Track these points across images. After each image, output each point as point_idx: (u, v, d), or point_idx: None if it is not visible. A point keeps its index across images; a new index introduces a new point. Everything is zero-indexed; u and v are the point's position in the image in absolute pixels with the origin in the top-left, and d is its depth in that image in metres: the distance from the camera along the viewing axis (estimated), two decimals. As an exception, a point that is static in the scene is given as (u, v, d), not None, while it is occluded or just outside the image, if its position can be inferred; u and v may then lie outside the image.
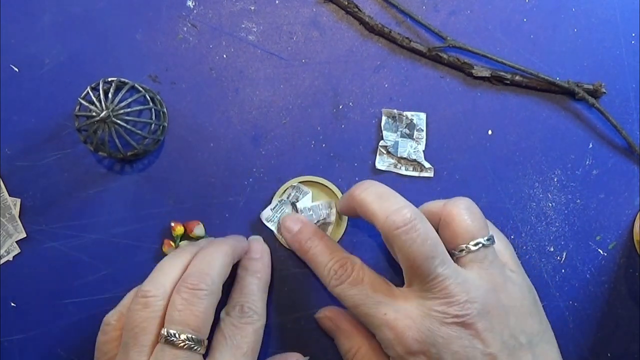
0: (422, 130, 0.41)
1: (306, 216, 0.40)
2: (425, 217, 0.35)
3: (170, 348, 0.33)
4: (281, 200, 0.40)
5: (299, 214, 0.40)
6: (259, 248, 0.39)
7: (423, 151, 0.41)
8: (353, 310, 0.35)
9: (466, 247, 0.34)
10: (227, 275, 0.36)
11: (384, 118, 0.41)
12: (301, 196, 0.40)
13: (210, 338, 0.35)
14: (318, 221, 0.40)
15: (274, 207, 0.40)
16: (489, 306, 0.33)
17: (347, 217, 0.41)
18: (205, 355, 0.34)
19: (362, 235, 0.41)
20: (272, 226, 0.40)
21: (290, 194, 0.41)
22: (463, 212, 0.35)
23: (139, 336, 0.33)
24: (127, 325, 0.34)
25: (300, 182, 0.41)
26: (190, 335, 0.33)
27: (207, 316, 0.34)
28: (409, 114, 0.41)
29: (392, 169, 0.41)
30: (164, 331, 0.33)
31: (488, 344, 0.33)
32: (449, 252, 0.34)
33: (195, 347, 0.33)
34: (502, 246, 0.38)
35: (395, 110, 0.41)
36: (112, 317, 0.36)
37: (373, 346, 0.37)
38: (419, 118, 0.41)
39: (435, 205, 0.37)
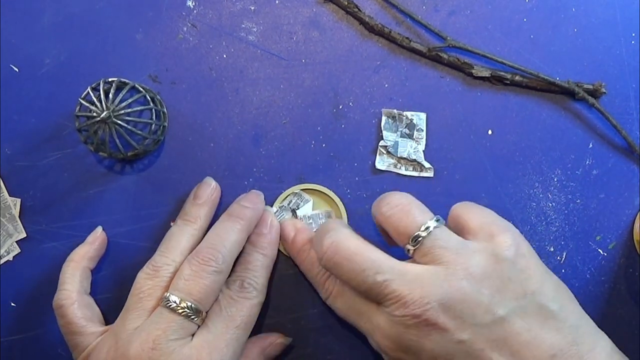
0: (422, 130, 0.41)
1: (305, 224, 0.40)
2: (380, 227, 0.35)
3: (169, 312, 0.34)
4: (282, 206, 0.40)
5: (295, 220, 0.40)
6: (268, 222, 0.39)
7: (423, 151, 0.41)
8: (343, 319, 0.36)
9: (410, 245, 0.33)
10: (239, 251, 0.37)
11: (384, 118, 0.41)
12: (302, 204, 0.40)
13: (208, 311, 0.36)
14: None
15: (275, 213, 0.40)
16: (448, 294, 0.31)
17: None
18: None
19: None
20: None
21: (291, 201, 0.40)
22: (390, 213, 0.34)
23: (142, 301, 0.35)
24: (134, 290, 0.36)
25: (302, 190, 0.41)
26: (190, 304, 0.34)
27: (212, 290, 0.35)
28: (409, 114, 0.41)
29: (392, 169, 0.41)
30: (166, 294, 0.34)
31: (458, 333, 0.31)
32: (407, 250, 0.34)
33: (193, 317, 0.34)
34: (472, 213, 0.35)
35: (395, 110, 0.41)
36: (64, 297, 0.38)
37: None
38: (419, 118, 0.41)
39: (373, 209, 0.36)
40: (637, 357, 0.40)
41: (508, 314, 0.31)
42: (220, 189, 0.40)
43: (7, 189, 0.41)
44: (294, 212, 0.40)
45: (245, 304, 0.36)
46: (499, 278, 0.32)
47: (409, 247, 0.34)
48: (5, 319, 0.41)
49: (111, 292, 0.41)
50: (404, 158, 0.41)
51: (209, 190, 0.39)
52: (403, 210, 0.34)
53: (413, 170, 0.41)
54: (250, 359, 0.37)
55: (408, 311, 0.31)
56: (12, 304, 0.41)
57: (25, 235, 0.41)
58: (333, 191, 0.41)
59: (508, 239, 0.33)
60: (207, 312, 0.35)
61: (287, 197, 0.41)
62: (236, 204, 0.39)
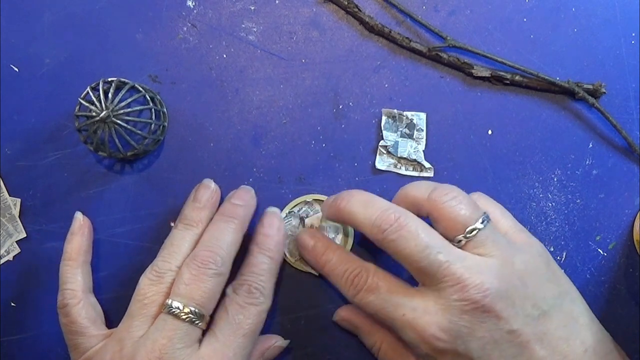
0: (422, 130, 0.41)
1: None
2: (410, 209, 0.35)
3: (172, 319, 0.33)
4: (291, 212, 0.40)
5: (312, 229, 0.40)
6: (274, 224, 0.38)
7: (423, 151, 0.41)
8: (375, 316, 0.35)
9: (463, 237, 0.34)
10: (237, 250, 0.37)
11: (384, 118, 0.41)
12: (312, 213, 0.40)
13: (213, 314, 0.35)
14: None
15: (284, 218, 0.40)
16: (504, 284, 0.32)
17: (352, 240, 0.40)
18: (205, 331, 0.35)
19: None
20: None
21: (301, 208, 0.40)
22: (449, 203, 0.34)
23: (147, 307, 0.35)
24: (137, 295, 0.35)
25: (314, 199, 0.40)
26: (193, 309, 0.34)
27: (213, 294, 0.35)
28: (409, 114, 0.41)
29: (392, 169, 0.41)
30: (168, 301, 0.34)
31: (511, 322, 0.32)
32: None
33: (197, 322, 0.34)
34: (499, 215, 0.37)
35: (395, 110, 0.41)
36: (69, 296, 0.37)
37: (395, 337, 0.36)
38: (419, 118, 0.41)
39: (418, 194, 0.36)
40: (637, 357, 0.40)
41: (549, 309, 0.33)
42: (220, 190, 0.40)
43: (7, 189, 0.41)
44: (302, 219, 0.40)
45: (252, 311, 0.35)
46: (541, 277, 0.34)
47: (461, 237, 0.34)
48: (5, 319, 0.41)
49: (111, 292, 0.41)
50: (404, 158, 0.41)
51: (209, 193, 0.39)
52: (462, 202, 0.34)
53: (413, 170, 0.41)
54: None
55: (467, 295, 0.32)
56: (12, 304, 0.41)
57: (25, 235, 0.41)
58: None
59: (540, 244, 0.37)
60: (210, 316, 0.35)
61: (298, 204, 0.41)
62: (228, 202, 0.38)
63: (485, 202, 0.38)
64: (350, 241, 0.40)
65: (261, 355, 0.38)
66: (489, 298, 0.32)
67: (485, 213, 0.35)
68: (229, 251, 0.36)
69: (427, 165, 0.41)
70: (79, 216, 0.40)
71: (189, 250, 0.36)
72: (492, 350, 0.32)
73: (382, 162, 0.41)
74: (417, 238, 0.33)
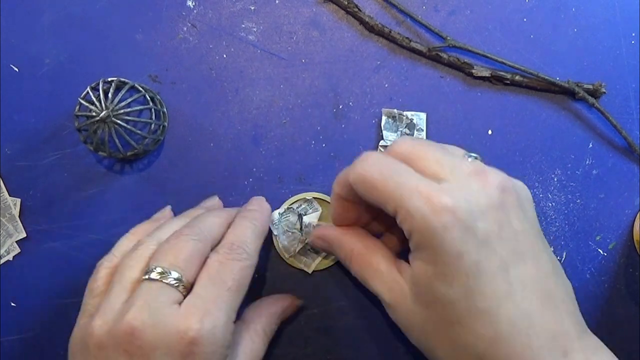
0: (422, 130, 0.41)
1: (308, 231, 0.40)
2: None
3: (148, 282, 0.32)
4: (290, 208, 0.40)
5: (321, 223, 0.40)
6: (258, 201, 0.39)
7: None
8: (378, 185, 0.31)
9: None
10: (220, 232, 0.36)
11: (384, 118, 0.41)
12: (310, 211, 0.40)
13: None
14: None
15: (282, 213, 0.40)
16: (515, 193, 0.32)
17: None
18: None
19: None
20: (275, 230, 0.40)
21: (300, 205, 0.40)
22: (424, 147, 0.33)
23: (124, 272, 0.34)
24: (119, 267, 0.34)
25: (314, 197, 0.41)
26: (167, 269, 0.32)
27: (192, 257, 0.33)
28: (409, 113, 0.41)
29: None
30: (147, 268, 0.33)
31: (517, 223, 0.31)
32: None
33: (176, 284, 0.32)
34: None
35: (395, 110, 0.41)
36: (105, 260, 0.36)
37: (366, 244, 0.36)
38: (419, 118, 0.41)
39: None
40: (637, 357, 0.40)
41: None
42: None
43: (7, 189, 0.41)
44: (300, 216, 0.40)
45: (234, 266, 0.33)
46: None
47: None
48: (5, 319, 0.41)
49: (111, 292, 0.41)
50: (404, 158, 0.41)
51: (213, 202, 0.40)
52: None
53: None
54: (266, 320, 0.37)
55: (488, 182, 0.31)
56: (12, 304, 0.41)
57: (25, 235, 0.41)
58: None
59: None
60: (192, 283, 0.33)
61: (297, 200, 0.41)
62: (243, 209, 0.39)
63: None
64: None
65: (282, 313, 0.38)
66: (509, 190, 0.31)
67: (474, 154, 0.34)
68: (211, 229, 0.35)
69: None
70: (167, 209, 0.40)
71: (174, 230, 0.36)
72: (498, 240, 0.30)
73: None
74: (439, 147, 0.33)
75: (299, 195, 0.41)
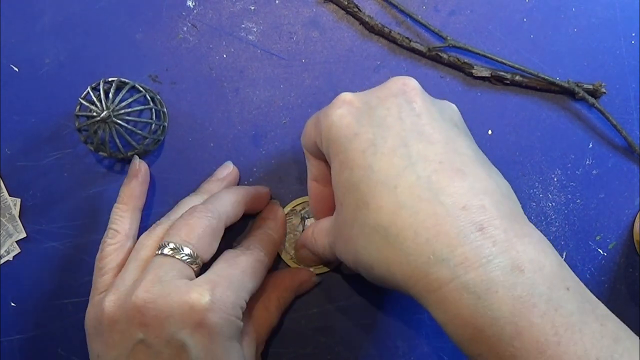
0: None
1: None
2: None
3: (161, 257, 0.33)
4: (293, 210, 0.40)
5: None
6: (275, 210, 0.39)
7: None
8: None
9: None
10: (234, 213, 0.36)
11: None
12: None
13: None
14: None
15: (285, 214, 0.40)
16: (428, 97, 0.33)
17: None
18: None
19: None
20: None
21: (304, 208, 0.40)
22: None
23: (139, 252, 0.35)
24: (136, 246, 0.35)
25: None
26: (179, 245, 0.33)
27: (205, 235, 0.34)
28: None
29: None
30: (161, 244, 0.34)
31: (425, 115, 0.31)
32: None
33: (189, 260, 0.33)
34: None
35: None
36: (108, 237, 0.37)
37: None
38: None
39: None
40: (637, 357, 0.40)
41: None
42: (239, 171, 0.41)
43: (7, 189, 0.41)
44: (303, 219, 0.40)
45: (250, 257, 0.35)
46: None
47: None
48: (5, 319, 0.41)
49: (111, 292, 0.41)
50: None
51: (227, 170, 0.40)
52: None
53: None
54: (282, 291, 0.38)
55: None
56: (12, 304, 0.41)
57: (25, 235, 0.41)
58: None
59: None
60: (205, 261, 0.34)
61: (301, 203, 0.41)
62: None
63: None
64: None
65: (299, 287, 0.39)
66: (413, 87, 0.32)
67: None
68: (225, 206, 0.36)
69: None
70: (136, 161, 0.39)
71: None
72: (396, 122, 0.30)
73: None
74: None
75: (303, 197, 0.40)
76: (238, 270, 0.33)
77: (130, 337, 0.31)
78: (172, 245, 0.33)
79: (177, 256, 0.33)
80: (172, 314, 0.31)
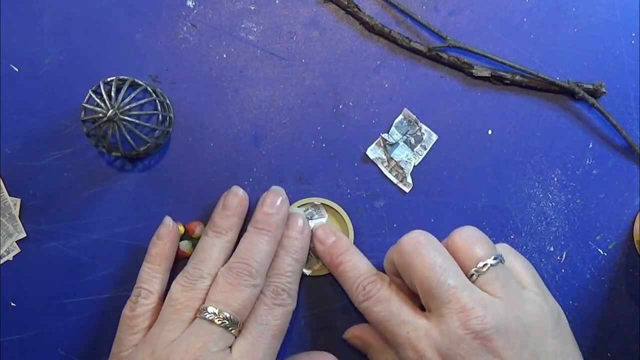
0: (425, 149, 0.41)
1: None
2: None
3: (207, 324, 0.34)
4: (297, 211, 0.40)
5: (330, 225, 0.40)
6: (299, 225, 0.39)
7: (415, 166, 0.41)
8: (377, 326, 0.35)
9: (475, 270, 0.34)
10: (270, 261, 0.37)
11: (400, 116, 0.41)
12: (317, 216, 0.40)
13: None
14: None
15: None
16: (507, 324, 0.32)
17: (352, 240, 0.41)
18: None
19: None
20: None
21: (307, 209, 0.40)
22: (465, 238, 0.35)
23: (180, 312, 0.35)
24: (169, 301, 0.36)
25: (322, 204, 0.40)
26: (228, 315, 0.34)
27: (249, 302, 0.35)
28: (424, 126, 0.41)
29: (378, 163, 0.41)
30: (204, 306, 0.35)
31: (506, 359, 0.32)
32: None
33: (231, 328, 0.34)
34: (520, 266, 0.37)
35: (414, 116, 0.41)
36: (141, 298, 0.37)
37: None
38: (430, 136, 0.41)
39: (445, 241, 0.37)
40: (638, 357, 0.40)
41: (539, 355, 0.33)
42: (248, 196, 0.40)
43: (7, 189, 0.41)
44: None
45: (280, 311, 0.36)
46: (547, 331, 0.34)
47: (473, 271, 0.34)
48: (5, 319, 0.41)
49: (111, 292, 0.41)
50: (394, 160, 0.41)
51: (237, 200, 0.39)
52: (479, 239, 0.35)
53: (395, 177, 0.41)
54: None
55: (469, 324, 0.32)
56: (12, 304, 0.41)
57: (25, 235, 0.41)
58: (346, 210, 0.40)
59: (556, 303, 0.36)
60: (244, 323, 0.35)
61: (305, 204, 0.40)
62: (260, 212, 0.38)
63: (507, 251, 0.37)
64: (351, 240, 0.40)
65: None
66: (489, 331, 0.32)
67: (499, 254, 0.35)
68: (263, 263, 0.37)
69: (409, 180, 0.41)
70: (167, 222, 0.39)
71: (219, 258, 0.37)
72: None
73: (374, 152, 0.41)
74: (431, 256, 0.33)
75: (306, 199, 0.40)
76: (269, 335, 0.35)
77: None
78: (216, 311, 0.34)
79: (220, 323, 0.34)
80: None
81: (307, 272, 0.40)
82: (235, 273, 0.35)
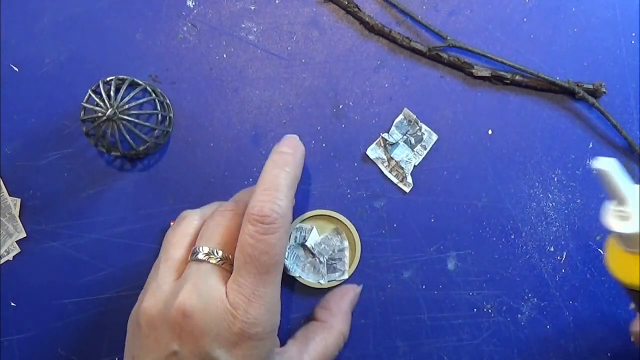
0: (426, 149, 0.41)
1: (319, 251, 0.40)
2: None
3: (196, 263, 0.33)
4: (290, 246, 0.40)
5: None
6: (292, 143, 0.36)
7: (415, 166, 0.41)
8: None
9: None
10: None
11: (400, 116, 0.41)
12: (307, 234, 0.40)
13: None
14: (334, 250, 0.40)
15: (287, 256, 0.40)
16: None
17: (359, 240, 0.40)
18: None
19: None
20: (294, 273, 0.40)
21: (296, 237, 0.40)
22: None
23: (169, 250, 0.35)
24: (163, 244, 0.35)
25: (300, 223, 0.40)
26: (212, 249, 0.33)
27: (235, 233, 0.33)
28: (424, 126, 0.41)
29: (378, 163, 0.41)
30: (194, 248, 0.34)
31: None
32: None
33: (220, 262, 0.33)
34: None
35: (414, 116, 0.41)
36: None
37: None
38: (430, 136, 0.41)
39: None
40: (638, 357, 0.40)
41: None
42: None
43: (7, 189, 0.41)
44: (304, 246, 0.40)
45: (270, 241, 0.32)
46: None
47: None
48: (5, 319, 0.41)
49: (111, 291, 0.41)
50: (394, 160, 0.41)
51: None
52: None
53: (395, 176, 0.41)
54: (342, 311, 0.38)
55: None
56: (12, 304, 0.41)
57: (25, 235, 0.41)
58: (329, 209, 0.40)
59: None
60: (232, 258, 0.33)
61: (290, 235, 0.40)
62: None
63: None
64: (358, 254, 0.40)
65: (352, 304, 0.39)
66: None
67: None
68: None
69: (409, 180, 0.40)
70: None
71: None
72: None
73: (374, 152, 0.41)
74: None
75: (309, 212, 0.40)
76: (262, 272, 0.32)
77: (165, 347, 0.32)
78: (205, 250, 0.33)
79: (211, 261, 0.33)
80: (209, 331, 0.31)
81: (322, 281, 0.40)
82: (225, 208, 0.35)
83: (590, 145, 0.41)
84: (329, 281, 0.40)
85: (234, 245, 0.33)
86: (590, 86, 0.40)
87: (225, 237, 0.34)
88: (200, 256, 0.33)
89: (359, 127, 0.41)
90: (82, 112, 0.38)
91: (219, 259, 0.33)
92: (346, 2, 0.41)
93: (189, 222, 0.35)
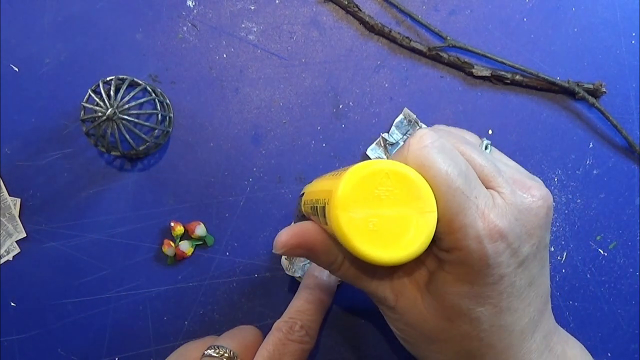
0: None
1: (305, 266, 0.40)
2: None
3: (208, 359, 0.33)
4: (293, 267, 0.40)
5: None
6: (324, 274, 0.38)
7: None
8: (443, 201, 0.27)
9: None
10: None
11: (401, 116, 0.41)
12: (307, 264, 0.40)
13: None
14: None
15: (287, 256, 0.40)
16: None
17: None
18: None
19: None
20: (294, 273, 0.40)
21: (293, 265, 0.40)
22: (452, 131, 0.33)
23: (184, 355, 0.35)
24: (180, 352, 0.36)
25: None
26: (226, 350, 0.33)
27: (252, 345, 0.35)
28: (424, 126, 0.41)
29: None
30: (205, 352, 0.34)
31: (547, 238, 0.30)
32: None
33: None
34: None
35: (414, 116, 0.41)
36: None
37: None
38: None
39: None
40: (638, 357, 0.40)
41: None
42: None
43: (7, 189, 0.41)
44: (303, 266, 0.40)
45: (293, 347, 0.33)
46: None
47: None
48: (5, 319, 0.41)
49: (111, 292, 0.41)
50: (395, 160, 0.41)
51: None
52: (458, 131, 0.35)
53: None
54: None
55: (540, 197, 0.29)
56: (12, 304, 0.41)
57: (25, 235, 0.41)
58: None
59: None
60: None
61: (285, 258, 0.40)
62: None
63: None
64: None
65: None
66: (551, 207, 0.29)
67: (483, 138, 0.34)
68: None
69: None
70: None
71: None
72: (533, 259, 0.29)
73: (374, 152, 0.41)
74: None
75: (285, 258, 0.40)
76: None
77: None
78: (215, 345, 0.33)
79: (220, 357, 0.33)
80: None
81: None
82: (249, 328, 0.37)
83: (591, 145, 0.41)
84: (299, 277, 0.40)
85: (242, 348, 0.34)
86: (590, 86, 0.40)
87: (235, 342, 0.34)
88: (210, 351, 0.33)
89: (359, 127, 0.41)
90: (82, 112, 0.38)
91: (223, 352, 0.33)
92: (346, 2, 0.41)
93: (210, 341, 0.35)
